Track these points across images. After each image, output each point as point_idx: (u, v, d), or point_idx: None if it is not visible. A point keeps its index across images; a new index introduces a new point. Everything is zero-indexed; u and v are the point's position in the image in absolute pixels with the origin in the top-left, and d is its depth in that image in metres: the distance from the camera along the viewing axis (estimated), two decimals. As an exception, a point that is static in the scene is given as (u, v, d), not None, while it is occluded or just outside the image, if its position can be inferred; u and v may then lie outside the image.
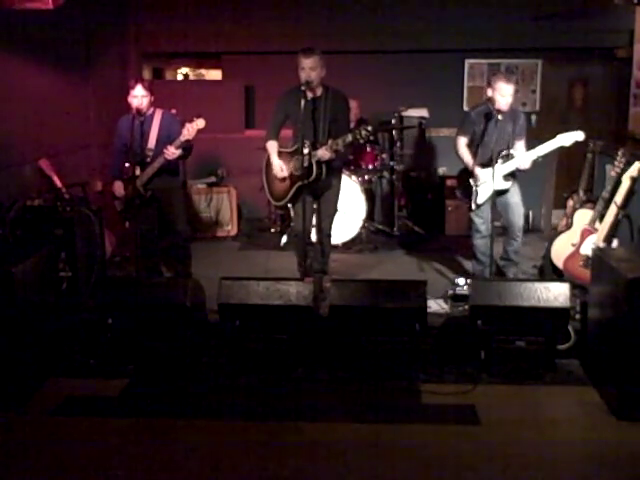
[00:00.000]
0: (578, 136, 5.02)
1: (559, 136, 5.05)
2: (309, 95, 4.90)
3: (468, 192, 5.30)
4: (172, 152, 5.13)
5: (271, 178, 5.31)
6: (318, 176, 4.95)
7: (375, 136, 5.52)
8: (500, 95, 5.08)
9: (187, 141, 5.17)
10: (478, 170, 5.20)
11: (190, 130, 5.09)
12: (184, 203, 5.75)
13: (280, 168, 5.12)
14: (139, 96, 5.15)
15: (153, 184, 5.31)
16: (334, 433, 3.66)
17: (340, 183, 5.31)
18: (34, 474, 3.35)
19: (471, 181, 5.27)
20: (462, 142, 5.32)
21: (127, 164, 5.25)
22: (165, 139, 5.21)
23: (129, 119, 5.14)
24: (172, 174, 5.44)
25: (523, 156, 5.15)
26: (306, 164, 4.86)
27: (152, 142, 5.26)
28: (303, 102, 4.74)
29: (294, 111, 4.89)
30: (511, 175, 5.25)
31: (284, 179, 5.17)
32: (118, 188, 5.41)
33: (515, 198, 5.34)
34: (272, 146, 5.19)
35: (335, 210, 5.34)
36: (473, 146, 5.28)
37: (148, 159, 5.24)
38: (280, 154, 5.19)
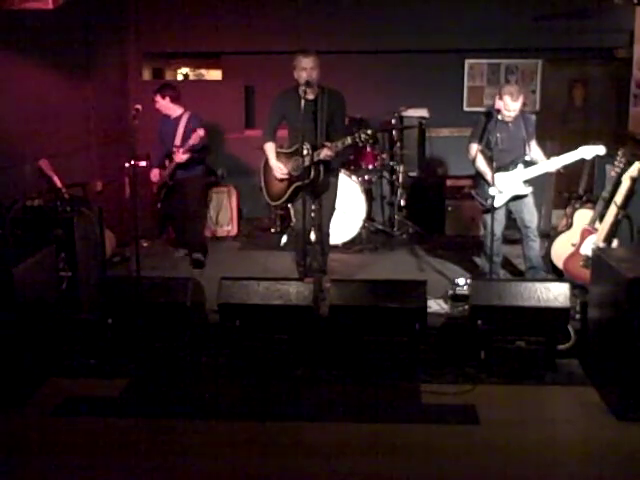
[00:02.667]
0: (599, 150, 5.02)
1: (581, 148, 5.04)
2: (307, 96, 4.94)
3: (485, 194, 5.27)
4: (180, 157, 5.92)
5: (269, 179, 5.37)
6: (316, 177, 5.00)
7: (374, 138, 5.58)
8: (505, 110, 5.11)
9: (193, 146, 5.84)
10: (497, 177, 5.10)
11: (193, 137, 5.80)
12: (200, 189, 6.44)
13: (279, 169, 5.20)
14: (159, 102, 6.09)
15: (177, 175, 6.10)
16: (334, 433, 3.67)
17: (338, 183, 5.37)
18: (34, 474, 3.35)
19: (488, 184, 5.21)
20: (475, 148, 5.28)
21: (168, 158, 6.15)
22: (188, 138, 5.91)
23: (164, 118, 6.17)
24: (195, 165, 6.13)
25: (550, 162, 5.15)
26: (306, 164, 4.95)
27: (178, 140, 6.03)
28: (303, 103, 4.80)
29: (291, 112, 4.99)
30: (530, 180, 5.24)
31: (282, 180, 5.22)
32: (154, 175, 6.25)
33: (530, 200, 5.32)
34: (270, 148, 5.27)
35: (334, 209, 5.39)
36: (487, 151, 5.23)
37: (174, 155, 6.03)
38: (278, 155, 5.25)
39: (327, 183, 5.18)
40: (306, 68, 4.88)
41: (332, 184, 5.27)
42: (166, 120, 6.19)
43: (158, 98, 6.08)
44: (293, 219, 5.78)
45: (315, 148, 4.95)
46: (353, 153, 6.98)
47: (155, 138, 6.28)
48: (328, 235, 5.43)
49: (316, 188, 5.10)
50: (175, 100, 6.11)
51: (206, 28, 7.56)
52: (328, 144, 4.92)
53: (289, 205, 5.84)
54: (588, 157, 5.06)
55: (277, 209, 7.18)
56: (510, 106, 5.09)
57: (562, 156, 5.12)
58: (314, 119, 4.96)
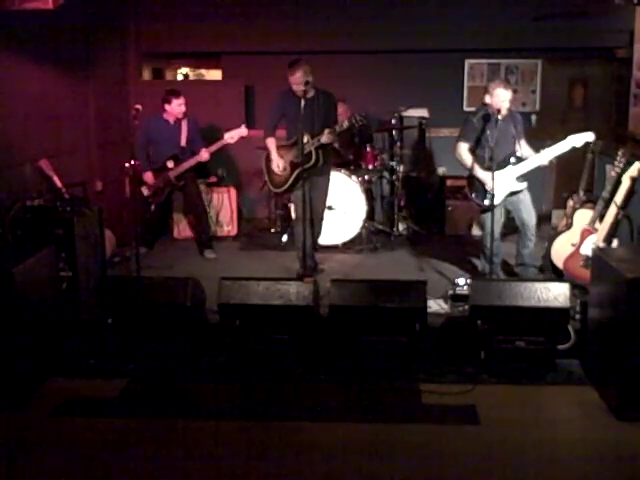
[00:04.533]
0: (588, 137, 5.04)
1: (570, 137, 5.06)
2: (306, 96, 5.38)
3: (481, 194, 5.28)
4: (206, 156, 6.26)
5: (272, 170, 5.80)
6: (316, 162, 5.46)
7: (368, 121, 6.00)
8: (499, 101, 5.12)
9: (224, 145, 6.20)
10: (486, 173, 5.16)
11: (234, 136, 6.11)
12: (198, 184, 6.73)
13: (277, 164, 5.68)
14: (183, 104, 6.27)
15: (183, 175, 6.36)
16: (334, 433, 3.67)
17: (330, 173, 5.86)
18: (34, 474, 3.35)
19: (485, 184, 5.24)
20: (464, 147, 5.33)
21: (169, 159, 6.33)
22: (191, 139, 6.34)
23: (160, 121, 6.31)
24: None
25: (541, 155, 5.16)
26: (308, 150, 5.42)
27: (183, 141, 6.33)
28: (303, 102, 5.21)
29: (291, 110, 5.43)
30: (524, 176, 5.25)
31: (284, 169, 5.68)
32: (149, 178, 6.33)
33: (525, 196, 5.34)
34: (272, 142, 5.74)
35: (327, 196, 5.87)
36: (478, 150, 5.28)
37: (179, 155, 6.31)
38: (280, 148, 5.72)
39: (322, 172, 5.63)
40: (292, 83, 5.35)
41: (326, 173, 5.75)
42: (162, 123, 6.34)
43: (181, 101, 6.24)
44: (293, 211, 6.07)
45: (313, 137, 5.42)
46: (353, 153, 6.99)
47: (137, 141, 6.23)
48: (322, 219, 5.86)
49: (315, 173, 5.54)
50: None
51: (206, 28, 7.56)
52: (328, 129, 5.39)
53: (289, 204, 6.02)
54: (578, 145, 5.06)
55: (278, 209, 7.21)
56: (503, 96, 5.12)
57: (552, 147, 5.12)
58: (312, 116, 5.38)
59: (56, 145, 5.99)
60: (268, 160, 5.80)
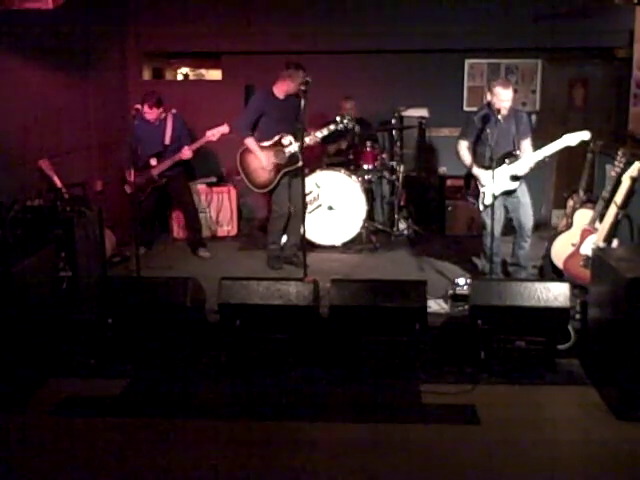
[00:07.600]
0: (584, 135, 5.03)
1: (565, 136, 5.06)
2: (284, 97, 5.80)
3: (476, 193, 5.30)
4: (187, 154, 6.25)
5: (251, 169, 5.99)
6: (301, 162, 5.60)
7: (355, 120, 6.25)
8: (498, 100, 5.13)
9: (206, 143, 6.23)
10: (481, 171, 5.21)
11: (215, 134, 6.12)
12: (186, 182, 6.78)
13: (267, 159, 5.86)
14: (149, 113, 6.24)
15: (165, 173, 6.38)
16: (334, 433, 3.67)
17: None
18: (34, 474, 3.35)
19: (479, 181, 5.27)
20: (463, 145, 5.36)
21: (152, 157, 6.33)
22: (177, 137, 6.33)
23: (142, 123, 6.21)
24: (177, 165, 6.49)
25: (535, 154, 5.15)
26: (292, 151, 5.78)
27: (167, 140, 6.33)
28: (283, 103, 5.69)
29: (270, 110, 5.80)
30: (518, 176, 5.25)
31: (269, 169, 5.88)
32: (130, 175, 6.09)
33: (525, 198, 5.35)
34: (252, 142, 5.92)
35: (305, 188, 5.99)
36: (477, 148, 5.30)
37: (163, 153, 6.31)
38: (261, 148, 5.88)
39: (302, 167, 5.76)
40: (301, 82, 5.43)
41: (303, 167, 5.78)
42: (145, 124, 6.26)
43: (153, 109, 6.19)
44: (275, 203, 6.11)
45: (296, 139, 5.66)
46: (354, 153, 6.99)
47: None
48: (306, 210, 6.02)
49: (297, 171, 5.72)
50: (160, 105, 6.27)
51: (206, 28, 7.55)
52: (313, 132, 5.79)
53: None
54: (573, 144, 5.06)
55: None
56: (503, 96, 5.12)
57: (547, 146, 5.12)
58: (291, 117, 5.64)
59: (56, 145, 5.99)
60: (245, 158, 5.96)
